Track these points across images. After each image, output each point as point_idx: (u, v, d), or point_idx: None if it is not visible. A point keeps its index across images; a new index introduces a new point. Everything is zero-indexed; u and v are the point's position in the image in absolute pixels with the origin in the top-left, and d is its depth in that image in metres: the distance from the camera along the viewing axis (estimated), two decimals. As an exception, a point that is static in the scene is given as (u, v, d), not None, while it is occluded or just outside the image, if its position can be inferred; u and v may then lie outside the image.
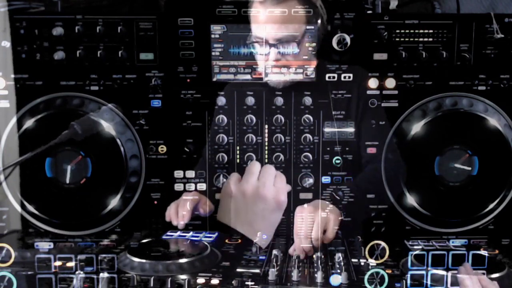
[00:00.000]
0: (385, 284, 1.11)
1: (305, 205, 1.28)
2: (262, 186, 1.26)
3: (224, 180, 1.30)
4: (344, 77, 1.28)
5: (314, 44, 1.26)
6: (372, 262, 1.18)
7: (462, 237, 1.29)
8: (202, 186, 1.31)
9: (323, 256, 1.22)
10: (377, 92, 1.28)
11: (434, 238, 1.30)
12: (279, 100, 1.30)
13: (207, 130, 1.30)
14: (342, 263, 1.17)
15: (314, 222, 1.25)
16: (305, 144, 1.30)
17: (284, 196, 1.28)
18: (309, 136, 1.30)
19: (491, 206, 1.28)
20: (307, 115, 1.29)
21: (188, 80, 1.28)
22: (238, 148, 1.31)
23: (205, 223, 1.31)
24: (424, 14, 1.47)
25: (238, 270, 1.17)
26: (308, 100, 1.29)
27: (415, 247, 1.27)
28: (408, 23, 1.25)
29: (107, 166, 1.27)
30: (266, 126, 1.30)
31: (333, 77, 1.28)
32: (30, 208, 1.27)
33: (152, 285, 1.07)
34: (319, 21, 1.25)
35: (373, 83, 1.27)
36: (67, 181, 1.25)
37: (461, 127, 1.27)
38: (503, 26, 1.24)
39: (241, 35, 1.26)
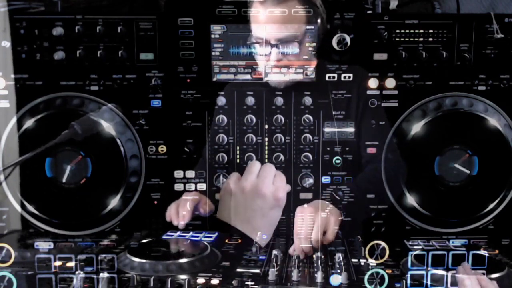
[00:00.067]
0: (385, 284, 1.11)
1: (305, 206, 1.28)
2: (261, 184, 1.26)
3: (224, 180, 1.30)
4: (344, 77, 1.28)
5: (314, 44, 1.26)
6: (372, 262, 1.18)
7: (462, 237, 1.29)
8: (202, 186, 1.31)
9: (323, 256, 1.22)
10: (377, 92, 1.28)
11: (434, 238, 1.30)
12: (279, 100, 1.30)
13: (207, 130, 1.30)
14: (342, 263, 1.17)
15: (314, 223, 1.24)
16: (305, 144, 1.30)
17: (283, 193, 1.28)
18: (309, 136, 1.30)
19: (491, 206, 1.28)
20: (307, 115, 1.29)
21: (188, 80, 1.28)
22: (238, 148, 1.31)
23: (205, 223, 1.31)
24: (424, 14, 1.47)
25: (238, 270, 1.17)
26: (308, 100, 1.29)
27: (415, 247, 1.27)
28: (408, 23, 1.25)
29: (107, 166, 1.27)
30: (266, 126, 1.30)
31: (333, 77, 1.28)
32: (30, 208, 1.27)
33: (152, 285, 1.07)
34: (318, 21, 1.25)
35: (373, 83, 1.27)
36: (64, 180, 1.25)
37: (461, 127, 1.27)
38: (503, 26, 1.24)
39: (241, 35, 1.26)
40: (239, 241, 1.31)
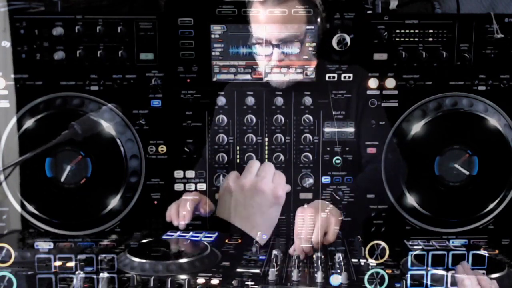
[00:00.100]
0: (385, 284, 1.11)
1: (306, 206, 1.28)
2: (260, 181, 1.26)
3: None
4: (344, 77, 1.28)
5: (314, 44, 1.26)
6: (372, 262, 1.17)
7: (462, 237, 1.29)
8: (202, 186, 1.31)
9: (323, 256, 1.22)
10: (377, 92, 1.28)
11: (434, 238, 1.30)
12: (279, 100, 1.30)
13: (207, 130, 1.30)
14: (342, 263, 1.17)
15: (314, 224, 1.24)
16: (305, 144, 1.30)
17: (282, 191, 1.28)
18: (309, 136, 1.30)
19: (491, 206, 1.28)
20: (307, 115, 1.29)
21: (188, 80, 1.28)
22: (238, 148, 1.31)
23: (205, 223, 1.31)
24: (424, 14, 1.47)
25: (238, 270, 1.16)
26: (308, 100, 1.29)
27: (415, 247, 1.27)
28: (408, 23, 1.25)
29: (107, 166, 1.27)
30: (266, 126, 1.30)
31: (333, 77, 1.28)
32: (30, 208, 1.27)
33: (152, 285, 1.07)
34: (318, 20, 1.25)
35: (373, 83, 1.27)
36: (62, 179, 1.25)
37: (461, 127, 1.27)
38: (503, 26, 1.24)
39: (241, 35, 1.26)
40: (239, 241, 1.31)
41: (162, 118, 1.29)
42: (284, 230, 1.31)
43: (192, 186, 1.31)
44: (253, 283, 1.10)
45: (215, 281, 1.11)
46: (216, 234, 1.33)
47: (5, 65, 1.26)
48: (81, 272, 1.11)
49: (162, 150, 1.30)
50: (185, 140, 1.30)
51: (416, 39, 1.26)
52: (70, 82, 1.27)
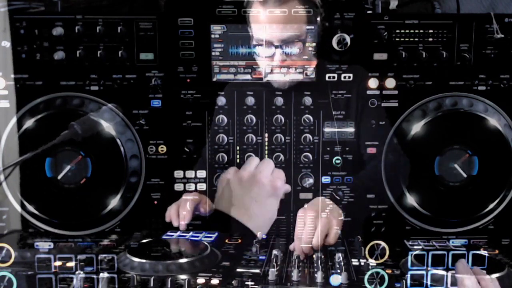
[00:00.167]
0: (385, 284, 1.11)
1: (306, 206, 1.28)
2: (259, 173, 1.27)
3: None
4: (344, 77, 1.28)
5: (314, 44, 1.26)
6: (372, 262, 1.17)
7: (462, 237, 1.29)
8: (202, 186, 1.31)
9: (323, 256, 1.22)
10: (377, 92, 1.28)
11: (434, 238, 1.30)
12: (279, 100, 1.30)
13: (207, 130, 1.30)
14: (342, 263, 1.17)
15: (315, 227, 1.24)
16: (305, 144, 1.30)
17: (280, 183, 1.28)
18: (309, 136, 1.30)
19: (491, 206, 1.28)
20: (307, 115, 1.29)
21: (188, 80, 1.28)
22: (238, 148, 1.31)
23: (205, 223, 1.31)
24: (424, 14, 1.47)
25: (238, 270, 1.16)
26: (308, 100, 1.29)
27: (415, 247, 1.27)
28: (408, 23, 1.25)
29: (107, 166, 1.27)
30: (266, 126, 1.30)
31: (333, 77, 1.28)
32: (30, 208, 1.27)
33: (152, 285, 1.07)
34: (318, 20, 1.25)
35: (373, 83, 1.27)
36: (59, 178, 1.25)
37: (461, 127, 1.27)
38: (503, 26, 1.24)
39: (241, 35, 1.26)
40: (239, 241, 1.31)
41: (162, 118, 1.29)
42: (284, 230, 1.31)
43: (192, 186, 1.31)
44: (253, 283, 1.10)
45: (215, 281, 1.11)
46: (216, 234, 1.33)
47: (5, 65, 1.26)
48: (81, 272, 1.11)
49: (162, 150, 1.30)
50: (185, 140, 1.30)
51: (416, 39, 1.26)
52: (70, 82, 1.27)
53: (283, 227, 1.31)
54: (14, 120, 1.26)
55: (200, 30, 1.26)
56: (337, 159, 1.30)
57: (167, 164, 1.30)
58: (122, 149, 1.26)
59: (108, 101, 1.28)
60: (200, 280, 1.11)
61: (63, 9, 1.31)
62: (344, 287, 1.11)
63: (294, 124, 1.30)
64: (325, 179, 1.30)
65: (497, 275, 1.11)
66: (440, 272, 1.12)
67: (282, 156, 1.30)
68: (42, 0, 1.30)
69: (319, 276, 1.12)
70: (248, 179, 1.27)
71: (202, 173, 1.30)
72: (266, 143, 1.30)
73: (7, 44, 1.25)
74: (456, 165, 1.26)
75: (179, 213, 1.28)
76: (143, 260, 1.17)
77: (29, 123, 1.25)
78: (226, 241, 1.32)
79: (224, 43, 1.26)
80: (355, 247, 1.28)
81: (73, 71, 1.27)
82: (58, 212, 1.28)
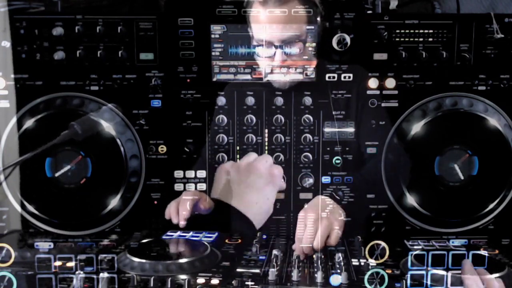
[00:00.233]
0: (385, 284, 1.11)
1: (307, 208, 1.27)
2: (257, 162, 1.28)
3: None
4: (344, 77, 1.28)
5: (314, 44, 1.26)
6: (372, 262, 1.17)
7: (462, 237, 1.29)
8: (202, 186, 1.31)
9: (323, 256, 1.22)
10: (377, 92, 1.28)
11: (434, 238, 1.30)
12: (279, 100, 1.30)
13: (207, 130, 1.30)
14: (342, 263, 1.17)
15: (316, 229, 1.24)
16: (305, 144, 1.30)
17: (278, 171, 1.28)
18: (309, 136, 1.30)
19: (491, 206, 1.28)
20: (307, 115, 1.29)
21: (188, 80, 1.28)
22: (238, 148, 1.31)
23: (205, 223, 1.31)
24: (424, 14, 1.47)
25: (238, 270, 1.16)
26: (308, 100, 1.29)
27: (415, 247, 1.27)
28: (408, 23, 1.25)
29: (107, 166, 1.27)
30: (266, 126, 1.30)
31: (333, 77, 1.28)
32: (30, 208, 1.27)
33: (152, 285, 1.07)
34: (318, 20, 1.25)
35: (373, 83, 1.27)
36: (56, 175, 1.25)
37: (461, 127, 1.27)
38: (503, 26, 1.24)
39: (241, 35, 1.26)
40: (239, 241, 1.31)
41: (162, 118, 1.29)
42: (284, 230, 1.31)
43: (192, 186, 1.31)
44: (253, 283, 1.10)
45: (215, 281, 1.11)
46: (216, 234, 1.33)
47: (5, 65, 1.26)
48: (81, 272, 1.11)
49: (162, 150, 1.30)
50: (185, 140, 1.30)
51: (416, 39, 1.26)
52: (70, 82, 1.27)
53: (283, 227, 1.31)
54: (14, 120, 1.26)
55: (200, 30, 1.26)
56: (337, 159, 1.30)
57: (167, 164, 1.30)
58: (122, 149, 1.26)
59: (108, 101, 1.28)
60: (200, 280, 1.11)
61: (63, 9, 1.31)
62: (344, 287, 1.11)
63: (294, 124, 1.30)
64: (325, 179, 1.30)
65: (497, 275, 1.11)
66: (440, 272, 1.12)
67: (282, 156, 1.30)
68: (42, 0, 1.30)
69: (319, 276, 1.12)
70: (245, 167, 1.28)
71: (202, 173, 1.30)
72: (266, 143, 1.30)
73: (7, 44, 1.25)
74: (455, 166, 1.26)
75: (178, 211, 1.28)
76: (143, 260, 1.16)
77: (29, 123, 1.25)
78: (226, 241, 1.32)
79: (224, 43, 1.26)
80: (355, 247, 1.28)
81: (73, 71, 1.27)
82: (58, 212, 1.28)
